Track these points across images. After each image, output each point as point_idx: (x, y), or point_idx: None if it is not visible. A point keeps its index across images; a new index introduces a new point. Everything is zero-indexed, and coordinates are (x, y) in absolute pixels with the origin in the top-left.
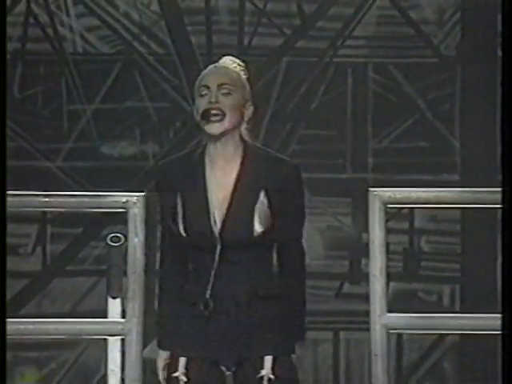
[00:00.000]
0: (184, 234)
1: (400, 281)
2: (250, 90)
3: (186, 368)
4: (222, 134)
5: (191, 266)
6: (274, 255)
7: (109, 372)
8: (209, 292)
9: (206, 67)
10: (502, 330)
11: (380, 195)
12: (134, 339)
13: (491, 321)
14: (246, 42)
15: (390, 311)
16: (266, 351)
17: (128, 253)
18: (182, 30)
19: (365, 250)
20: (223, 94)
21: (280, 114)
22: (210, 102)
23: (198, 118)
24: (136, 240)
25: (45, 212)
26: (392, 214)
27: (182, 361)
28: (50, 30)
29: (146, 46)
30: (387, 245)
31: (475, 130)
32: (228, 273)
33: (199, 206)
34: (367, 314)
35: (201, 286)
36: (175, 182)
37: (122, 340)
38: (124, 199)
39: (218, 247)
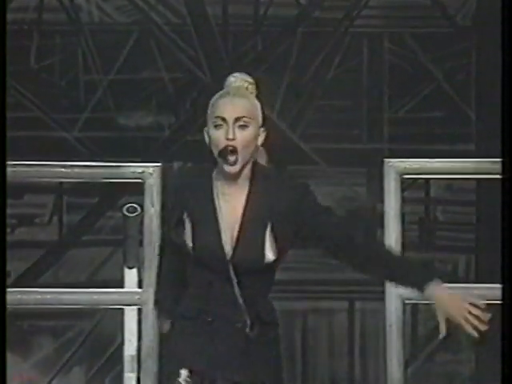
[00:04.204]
0: (192, 253)
1: (416, 250)
2: (262, 113)
3: (188, 378)
4: (239, 171)
5: (192, 281)
6: None
7: (125, 341)
8: (211, 310)
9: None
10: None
11: (395, 166)
12: (151, 309)
13: None
14: (261, 12)
15: None
16: (260, 378)
17: (144, 223)
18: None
19: (381, 220)
20: (240, 127)
21: (295, 85)
22: (228, 139)
23: (214, 151)
24: (152, 210)
25: (61, 182)
26: (408, 183)
27: (185, 371)
28: (66, 0)
29: (161, 15)
30: (403, 215)
31: (491, 100)
32: (233, 294)
33: (209, 227)
34: (383, 283)
35: (203, 303)
36: (184, 199)
37: (139, 310)
38: (140, 170)
39: (230, 270)
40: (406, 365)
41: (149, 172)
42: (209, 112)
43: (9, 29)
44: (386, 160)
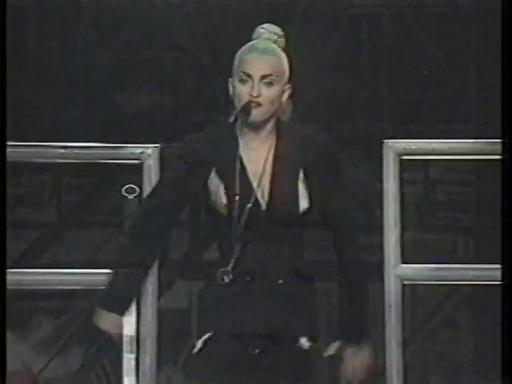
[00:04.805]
0: (226, 211)
1: (415, 231)
2: (289, 69)
3: (206, 341)
4: (261, 122)
5: (226, 243)
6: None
7: (124, 322)
8: (232, 265)
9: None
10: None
11: (394, 146)
12: (150, 290)
13: None
14: None
15: (404, 262)
16: (302, 332)
17: None
18: None
19: (380, 200)
20: (265, 84)
21: (295, 66)
22: (252, 96)
23: (237, 105)
24: None
25: (60, 163)
26: (407, 164)
27: (205, 335)
28: None
29: None
30: (402, 195)
31: (491, 81)
32: (269, 249)
33: (241, 182)
34: (382, 264)
35: (240, 264)
36: (206, 157)
37: None
38: (139, 150)
39: (267, 224)
40: (405, 345)
41: (148, 153)
42: (235, 65)
43: (9, 10)
44: (386, 141)
